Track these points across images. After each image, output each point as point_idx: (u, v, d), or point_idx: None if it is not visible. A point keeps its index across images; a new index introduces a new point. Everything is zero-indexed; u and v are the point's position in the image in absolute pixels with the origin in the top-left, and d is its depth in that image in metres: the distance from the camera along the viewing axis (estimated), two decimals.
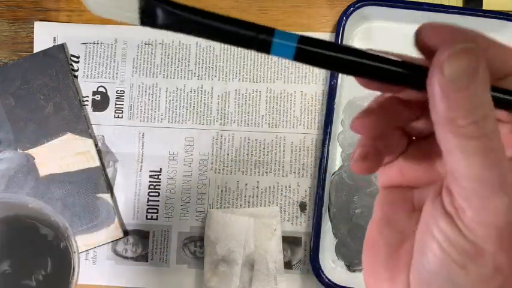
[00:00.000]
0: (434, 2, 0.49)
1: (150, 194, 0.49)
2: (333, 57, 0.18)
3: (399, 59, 0.18)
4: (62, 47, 0.50)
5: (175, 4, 0.18)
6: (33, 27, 0.51)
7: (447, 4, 0.49)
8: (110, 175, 0.49)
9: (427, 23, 0.18)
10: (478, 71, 0.16)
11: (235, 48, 0.50)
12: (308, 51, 0.17)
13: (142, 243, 0.48)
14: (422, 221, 0.18)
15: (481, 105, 0.16)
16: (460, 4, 0.50)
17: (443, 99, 0.16)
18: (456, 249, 0.16)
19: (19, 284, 0.32)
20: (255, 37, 0.17)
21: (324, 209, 0.47)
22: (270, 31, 0.17)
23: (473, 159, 0.15)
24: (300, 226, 0.48)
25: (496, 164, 0.16)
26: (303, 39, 0.17)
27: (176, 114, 0.50)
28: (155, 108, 0.50)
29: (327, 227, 0.47)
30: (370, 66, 0.18)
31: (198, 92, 0.50)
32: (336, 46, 0.18)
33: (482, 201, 0.16)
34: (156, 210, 0.49)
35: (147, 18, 0.18)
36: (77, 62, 0.50)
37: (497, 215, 0.16)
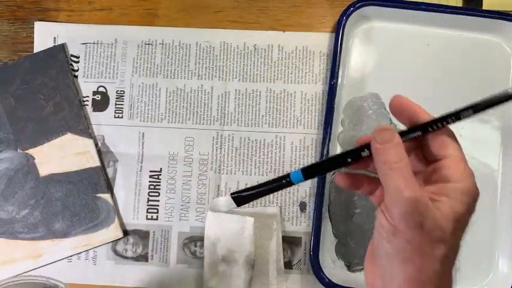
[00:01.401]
0: (434, 2, 0.49)
1: (150, 194, 0.49)
2: (322, 168, 0.33)
3: (360, 147, 0.33)
4: (62, 47, 0.50)
5: (242, 193, 0.35)
6: (33, 27, 0.51)
7: (447, 4, 0.49)
8: (110, 175, 0.49)
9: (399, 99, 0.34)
10: (392, 139, 0.30)
11: (235, 48, 0.50)
12: (309, 173, 0.32)
13: (142, 243, 0.48)
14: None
15: (397, 155, 0.29)
16: (460, 4, 0.50)
17: (374, 153, 0.31)
18: (385, 230, 0.28)
19: None
20: (284, 183, 0.33)
21: (324, 209, 0.47)
22: (287, 175, 0.33)
23: (392, 180, 0.28)
24: (300, 226, 0.48)
25: (403, 178, 0.28)
26: (304, 169, 0.32)
27: (176, 114, 0.50)
28: (155, 108, 0.50)
29: (327, 227, 0.47)
30: (339, 163, 0.33)
31: (198, 92, 0.50)
32: (320, 163, 0.33)
33: (395, 197, 0.27)
34: (156, 210, 0.49)
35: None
36: (77, 62, 0.50)
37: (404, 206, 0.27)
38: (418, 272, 0.27)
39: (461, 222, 0.29)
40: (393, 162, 0.28)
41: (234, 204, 0.36)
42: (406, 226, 0.27)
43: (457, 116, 0.32)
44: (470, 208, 0.29)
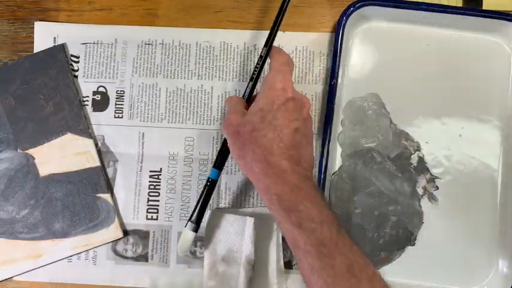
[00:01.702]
0: (434, 2, 0.49)
1: (150, 194, 0.49)
2: (222, 157, 0.44)
3: None
4: (62, 47, 0.50)
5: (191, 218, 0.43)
6: (33, 27, 0.51)
7: (447, 4, 0.49)
8: (110, 175, 0.49)
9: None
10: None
11: (235, 48, 0.50)
12: (218, 164, 0.44)
13: (142, 243, 0.48)
14: None
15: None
16: (460, 4, 0.50)
17: None
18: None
19: None
20: (209, 185, 0.45)
21: None
22: (208, 178, 0.44)
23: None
24: None
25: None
26: (214, 165, 0.44)
27: (176, 114, 0.50)
28: (155, 108, 0.50)
29: None
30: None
31: (198, 92, 0.50)
32: (219, 152, 0.44)
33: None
34: (156, 210, 0.49)
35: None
36: (77, 62, 0.50)
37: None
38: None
39: (262, 113, 0.39)
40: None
41: (193, 233, 0.43)
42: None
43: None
44: (270, 99, 0.39)
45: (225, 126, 0.40)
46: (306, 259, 0.35)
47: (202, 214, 0.43)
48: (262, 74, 0.44)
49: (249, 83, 0.43)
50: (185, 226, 0.43)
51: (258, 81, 0.43)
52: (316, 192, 0.37)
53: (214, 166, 0.44)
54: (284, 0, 0.43)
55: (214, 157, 0.49)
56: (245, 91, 0.43)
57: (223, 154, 0.43)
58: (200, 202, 0.43)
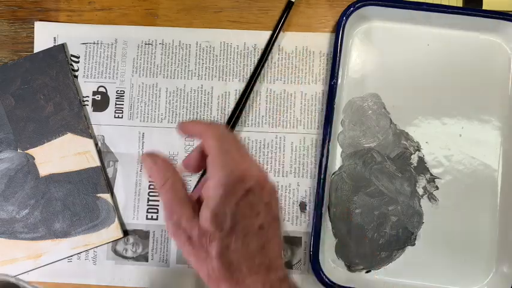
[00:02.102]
0: (434, 2, 0.49)
1: (150, 194, 0.49)
2: None
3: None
4: (62, 47, 0.50)
5: None
6: (33, 27, 0.51)
7: (447, 4, 0.49)
8: (110, 175, 0.49)
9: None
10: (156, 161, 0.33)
11: (235, 48, 0.50)
12: None
13: (142, 243, 0.48)
14: None
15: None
16: (460, 4, 0.50)
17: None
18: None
19: None
20: None
21: (324, 209, 0.47)
22: None
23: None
24: (300, 226, 0.48)
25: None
26: None
27: (176, 114, 0.50)
28: (155, 108, 0.50)
29: (327, 227, 0.47)
30: None
31: (198, 92, 0.50)
32: None
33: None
34: (156, 210, 0.49)
35: None
36: (77, 62, 0.50)
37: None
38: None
39: (222, 210, 0.30)
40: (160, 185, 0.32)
41: None
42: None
43: None
44: (228, 193, 0.30)
45: (168, 226, 0.31)
46: None
47: None
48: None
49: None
50: None
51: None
52: None
53: None
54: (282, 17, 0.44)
55: None
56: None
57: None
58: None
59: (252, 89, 0.49)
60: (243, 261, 0.30)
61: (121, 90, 0.50)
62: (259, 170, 0.32)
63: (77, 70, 0.50)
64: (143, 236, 0.48)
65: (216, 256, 0.29)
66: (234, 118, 0.49)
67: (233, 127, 0.49)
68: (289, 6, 0.49)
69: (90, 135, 0.49)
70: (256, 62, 0.50)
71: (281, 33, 0.50)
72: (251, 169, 0.31)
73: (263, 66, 0.49)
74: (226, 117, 0.49)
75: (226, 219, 0.30)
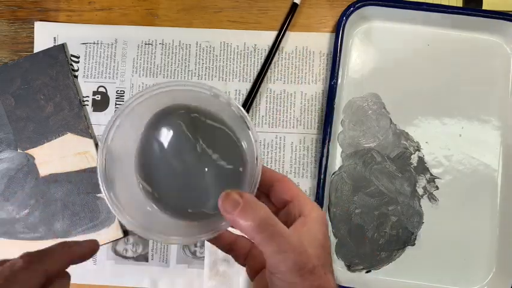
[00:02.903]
0: (435, 2, 0.49)
1: None
2: None
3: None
4: (62, 47, 0.50)
5: None
6: (33, 27, 0.51)
7: (447, 4, 0.49)
8: None
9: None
10: (239, 202, 0.27)
11: (235, 48, 0.50)
12: None
13: (142, 243, 0.48)
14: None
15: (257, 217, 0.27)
16: (460, 4, 0.50)
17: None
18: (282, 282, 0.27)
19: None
20: None
21: (324, 209, 0.47)
22: None
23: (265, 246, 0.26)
24: None
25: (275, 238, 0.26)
26: None
27: None
28: None
29: None
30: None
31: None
32: None
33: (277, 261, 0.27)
34: None
35: None
36: (77, 62, 0.50)
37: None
38: None
39: (325, 248, 0.29)
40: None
41: None
42: (299, 276, 0.27)
43: None
44: (326, 234, 0.29)
45: None
46: None
47: None
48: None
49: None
50: None
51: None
52: None
53: None
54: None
55: None
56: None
57: None
58: None
59: (257, 91, 0.49)
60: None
61: (121, 90, 0.50)
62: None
63: (77, 70, 0.50)
64: None
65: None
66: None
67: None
68: (293, 9, 0.49)
69: (90, 135, 0.49)
70: (261, 62, 0.50)
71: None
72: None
73: (268, 67, 0.49)
74: None
75: (326, 253, 0.29)
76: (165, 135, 0.32)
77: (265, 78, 0.49)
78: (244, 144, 0.31)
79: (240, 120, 0.30)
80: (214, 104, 0.31)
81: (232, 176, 0.31)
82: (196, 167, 0.31)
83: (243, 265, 0.34)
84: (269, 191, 0.31)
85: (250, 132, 0.30)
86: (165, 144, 0.32)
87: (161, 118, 0.32)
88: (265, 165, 0.49)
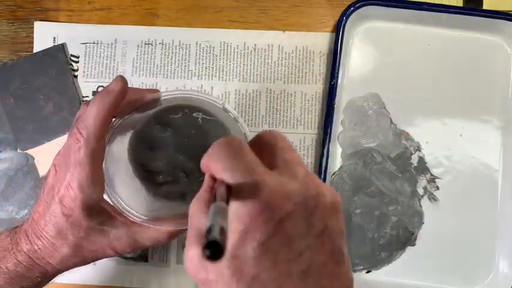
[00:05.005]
0: (435, 2, 0.49)
1: None
2: None
3: None
4: (62, 47, 0.50)
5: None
6: (33, 27, 0.51)
7: (447, 4, 0.49)
8: None
9: None
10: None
11: (235, 48, 0.50)
12: None
13: None
14: None
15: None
16: (460, 4, 0.50)
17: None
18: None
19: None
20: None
21: None
22: None
23: None
24: None
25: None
26: None
27: None
28: None
29: None
30: None
31: None
32: None
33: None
34: None
35: None
36: (77, 62, 0.50)
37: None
38: None
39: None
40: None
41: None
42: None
43: None
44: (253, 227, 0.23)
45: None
46: None
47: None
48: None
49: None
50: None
51: None
52: None
53: None
54: None
55: None
56: None
57: None
58: None
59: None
60: None
61: None
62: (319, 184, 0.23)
63: (77, 70, 0.50)
64: None
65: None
66: None
67: None
68: None
69: None
70: (261, 62, 0.50)
71: (281, 33, 0.50)
72: (305, 181, 0.24)
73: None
74: None
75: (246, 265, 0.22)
76: (158, 128, 0.35)
77: (265, 78, 0.50)
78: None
79: (243, 137, 0.34)
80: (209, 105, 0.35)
81: None
82: (191, 147, 0.35)
83: None
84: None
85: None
86: (158, 134, 0.35)
87: (156, 115, 0.36)
88: None
